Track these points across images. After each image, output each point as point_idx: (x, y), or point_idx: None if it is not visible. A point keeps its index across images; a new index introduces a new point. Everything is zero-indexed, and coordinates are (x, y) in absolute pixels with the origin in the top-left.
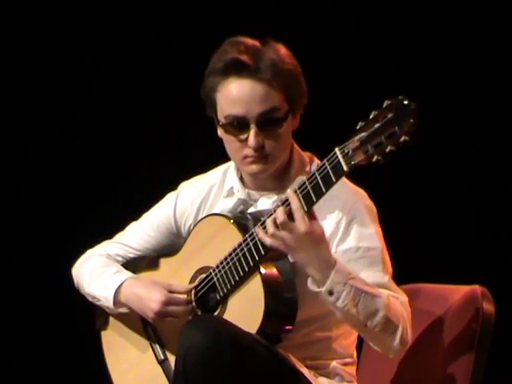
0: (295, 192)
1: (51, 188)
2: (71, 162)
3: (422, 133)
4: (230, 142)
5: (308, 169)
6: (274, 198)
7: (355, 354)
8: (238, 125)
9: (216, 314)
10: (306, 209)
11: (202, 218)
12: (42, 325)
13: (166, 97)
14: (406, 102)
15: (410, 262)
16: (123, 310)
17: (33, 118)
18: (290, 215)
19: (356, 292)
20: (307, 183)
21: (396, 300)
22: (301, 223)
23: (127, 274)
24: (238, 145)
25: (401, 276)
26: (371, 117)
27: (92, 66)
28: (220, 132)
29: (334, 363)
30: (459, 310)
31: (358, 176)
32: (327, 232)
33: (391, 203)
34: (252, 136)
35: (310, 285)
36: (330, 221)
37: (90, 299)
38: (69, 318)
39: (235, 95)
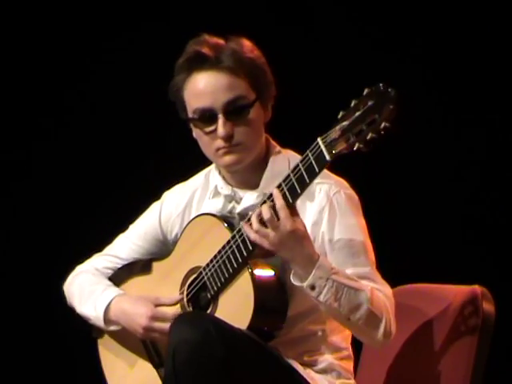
0: (279, 187)
1: (40, 203)
2: (56, 177)
3: (416, 127)
4: (201, 136)
5: (287, 163)
6: (257, 192)
7: (350, 349)
8: (206, 117)
9: (207, 312)
10: (291, 201)
11: (192, 219)
12: (36, 333)
13: (140, 112)
14: (385, 89)
15: (409, 262)
16: (115, 327)
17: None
18: (274, 212)
19: (338, 287)
20: (291, 175)
21: (379, 293)
22: (286, 222)
23: (114, 290)
24: (208, 138)
25: (401, 276)
26: (352, 105)
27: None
28: (193, 131)
29: (330, 359)
30: (459, 310)
31: (358, 178)
32: (310, 221)
33: (391, 203)
34: (220, 126)
35: (293, 279)
36: (312, 210)
37: (84, 319)
38: (63, 326)
39: (200, 88)
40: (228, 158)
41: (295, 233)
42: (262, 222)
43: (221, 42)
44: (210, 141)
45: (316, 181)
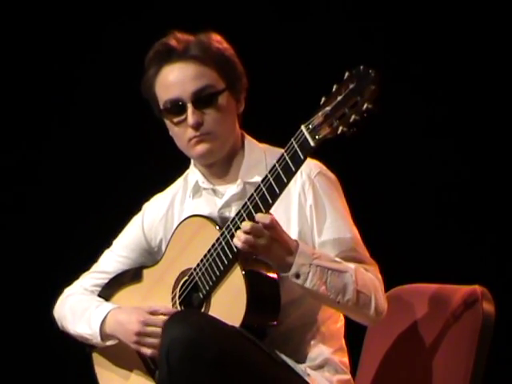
0: (265, 178)
1: (25, 227)
2: (40, 202)
3: (418, 123)
4: (173, 129)
5: (263, 154)
6: (238, 181)
7: (344, 341)
8: (176, 107)
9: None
10: (278, 191)
11: (180, 223)
12: (30, 353)
13: (115, 130)
14: (366, 71)
15: (409, 262)
16: (111, 342)
17: None
18: (249, 217)
19: (322, 271)
20: (277, 165)
21: (365, 271)
22: (266, 215)
23: (108, 306)
24: (179, 129)
25: (401, 276)
26: (333, 90)
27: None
28: (167, 126)
29: (325, 353)
30: (459, 310)
31: (359, 177)
32: (296, 203)
33: (391, 203)
34: (190, 114)
35: (279, 270)
36: (295, 192)
37: (79, 339)
38: (57, 342)
39: (169, 80)
40: (199, 148)
41: (275, 221)
42: (248, 232)
43: (190, 36)
44: (181, 132)
45: None
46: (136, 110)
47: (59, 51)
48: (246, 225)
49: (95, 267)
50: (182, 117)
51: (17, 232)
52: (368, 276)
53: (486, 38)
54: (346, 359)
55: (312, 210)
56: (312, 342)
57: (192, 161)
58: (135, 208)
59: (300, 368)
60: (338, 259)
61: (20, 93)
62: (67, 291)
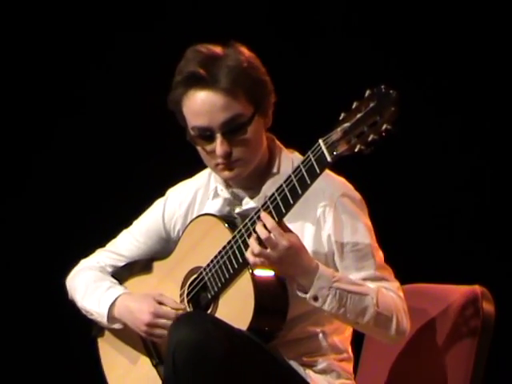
0: (280, 188)
1: (43, 198)
2: (62, 171)
3: (418, 125)
4: (200, 152)
5: (290, 165)
6: (260, 195)
7: (350, 350)
8: (205, 136)
9: (208, 312)
10: (292, 202)
11: (193, 220)
12: (37, 331)
13: (145, 109)
14: (387, 91)
15: (409, 262)
16: (117, 325)
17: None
18: (267, 230)
19: (342, 294)
20: (292, 176)
21: (388, 291)
22: (281, 239)
23: (120, 289)
24: (207, 154)
25: (401, 276)
26: (353, 107)
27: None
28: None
29: (330, 360)
30: (459, 310)
31: (358, 177)
32: (314, 223)
33: (391, 203)
34: (218, 145)
35: (298, 292)
36: (316, 212)
37: (84, 312)
38: (63, 325)
39: (197, 107)
40: (227, 174)
41: (292, 247)
42: (261, 243)
43: (217, 54)
44: (209, 156)
45: (320, 183)
46: (145, 107)
47: (66, 54)
48: (263, 235)
49: (112, 246)
50: (211, 145)
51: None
52: (390, 296)
53: (502, 50)
54: (350, 368)
55: (330, 238)
56: (318, 352)
57: None
58: (157, 187)
59: (304, 372)
60: (358, 281)
61: (28, 91)
62: (84, 263)
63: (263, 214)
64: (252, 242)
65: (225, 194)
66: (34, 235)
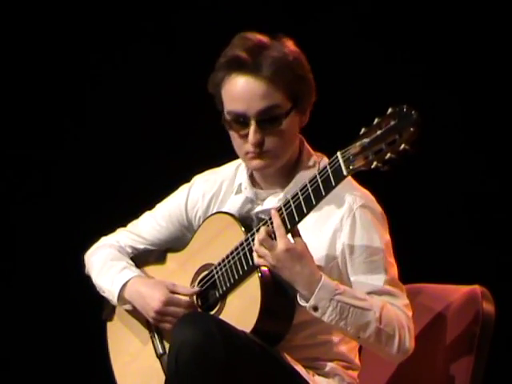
0: (295, 196)
1: (67, 176)
2: (86, 150)
3: (424, 137)
4: (233, 137)
5: (316, 169)
6: (281, 196)
7: (357, 360)
8: (239, 121)
9: (214, 311)
10: (305, 211)
11: (209, 216)
12: (48, 315)
13: (178, 89)
14: (408, 111)
15: (410, 261)
16: (126, 306)
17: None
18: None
19: (343, 307)
20: (308, 186)
21: (393, 307)
22: (280, 241)
23: (135, 271)
24: (240, 140)
25: (401, 276)
26: (374, 123)
27: (97, 61)
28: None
29: (335, 368)
30: (459, 310)
31: (359, 176)
32: (331, 230)
33: (391, 203)
34: (251, 133)
35: (299, 300)
36: (334, 219)
37: (97, 289)
38: (75, 308)
39: (236, 92)
40: (256, 163)
41: (291, 252)
42: (261, 243)
43: (264, 43)
44: (241, 143)
45: (341, 193)
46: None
47: (68, 54)
48: (261, 234)
49: (133, 227)
50: (244, 131)
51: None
52: (394, 313)
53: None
54: (355, 374)
55: (345, 248)
56: (323, 359)
57: None
58: (180, 171)
59: (307, 375)
60: (363, 296)
61: (32, 92)
62: (103, 240)
63: (273, 212)
64: (255, 240)
65: (248, 192)
66: (56, 212)
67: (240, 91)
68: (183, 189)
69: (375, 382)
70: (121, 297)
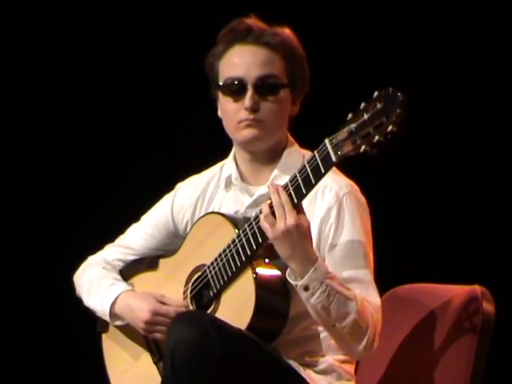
0: (286, 187)
1: (51, 193)
2: (70, 167)
3: (419, 127)
4: (226, 107)
5: (301, 159)
6: (268, 183)
7: None
8: (236, 86)
9: (209, 310)
10: (296, 201)
11: (199, 218)
12: (42, 326)
13: (157, 101)
14: (394, 93)
15: (410, 261)
16: (119, 322)
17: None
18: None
19: (330, 292)
20: (298, 176)
21: (369, 305)
22: (291, 214)
23: (122, 286)
24: (234, 108)
25: (401, 276)
26: (361, 108)
27: (80, 71)
28: (220, 106)
29: (331, 360)
30: (459, 310)
31: (359, 176)
32: (319, 218)
33: (391, 203)
34: (248, 97)
35: (288, 276)
36: (321, 208)
37: (91, 311)
38: (68, 320)
39: (237, 59)
40: (247, 132)
41: (299, 227)
42: (271, 210)
43: (265, 24)
44: (235, 111)
45: (328, 181)
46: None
47: (67, 55)
48: (274, 200)
49: (121, 241)
50: (241, 97)
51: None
52: (369, 311)
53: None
54: (352, 370)
55: (331, 228)
56: (318, 352)
57: (232, 153)
58: (166, 183)
59: (304, 372)
60: (347, 286)
61: (30, 91)
62: (90, 260)
63: (280, 188)
64: (265, 205)
65: (237, 182)
66: (43, 232)
67: (241, 58)
68: (167, 197)
69: (375, 382)
70: (112, 314)
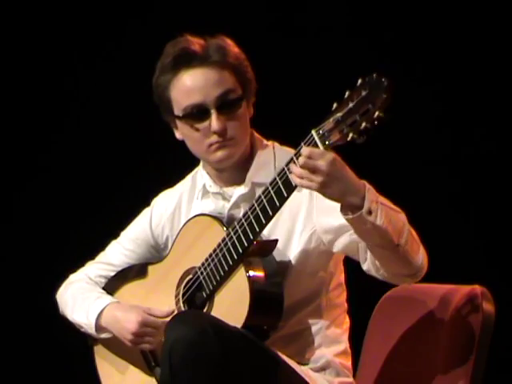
0: (273, 181)
1: (33, 213)
2: (50, 188)
3: (418, 127)
4: (191, 134)
5: (272, 154)
6: (245, 185)
7: (348, 345)
8: (198, 113)
9: (203, 311)
10: (285, 195)
11: (187, 221)
12: (32, 343)
13: (127, 118)
14: (379, 79)
15: None
16: (105, 335)
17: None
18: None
19: (385, 209)
20: (285, 169)
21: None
22: (323, 154)
23: (108, 298)
24: (200, 135)
25: None
26: (345, 96)
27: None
28: (179, 131)
29: (328, 356)
30: (459, 310)
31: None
32: (303, 207)
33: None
34: (214, 120)
35: (345, 215)
36: (303, 195)
37: (77, 326)
38: (59, 335)
39: (190, 85)
40: (220, 153)
41: (337, 160)
42: (305, 166)
43: (201, 38)
44: (201, 137)
45: None
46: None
47: (65, 55)
48: (301, 160)
49: (101, 257)
50: (205, 123)
51: (23, 221)
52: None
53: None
54: (349, 363)
55: (312, 203)
56: (314, 345)
57: (202, 162)
58: (143, 200)
59: (302, 369)
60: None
61: (32, 90)
62: (72, 277)
63: (302, 145)
64: (294, 167)
65: (213, 189)
66: (23, 250)
67: (193, 83)
68: (145, 211)
69: (375, 382)
70: (98, 326)
